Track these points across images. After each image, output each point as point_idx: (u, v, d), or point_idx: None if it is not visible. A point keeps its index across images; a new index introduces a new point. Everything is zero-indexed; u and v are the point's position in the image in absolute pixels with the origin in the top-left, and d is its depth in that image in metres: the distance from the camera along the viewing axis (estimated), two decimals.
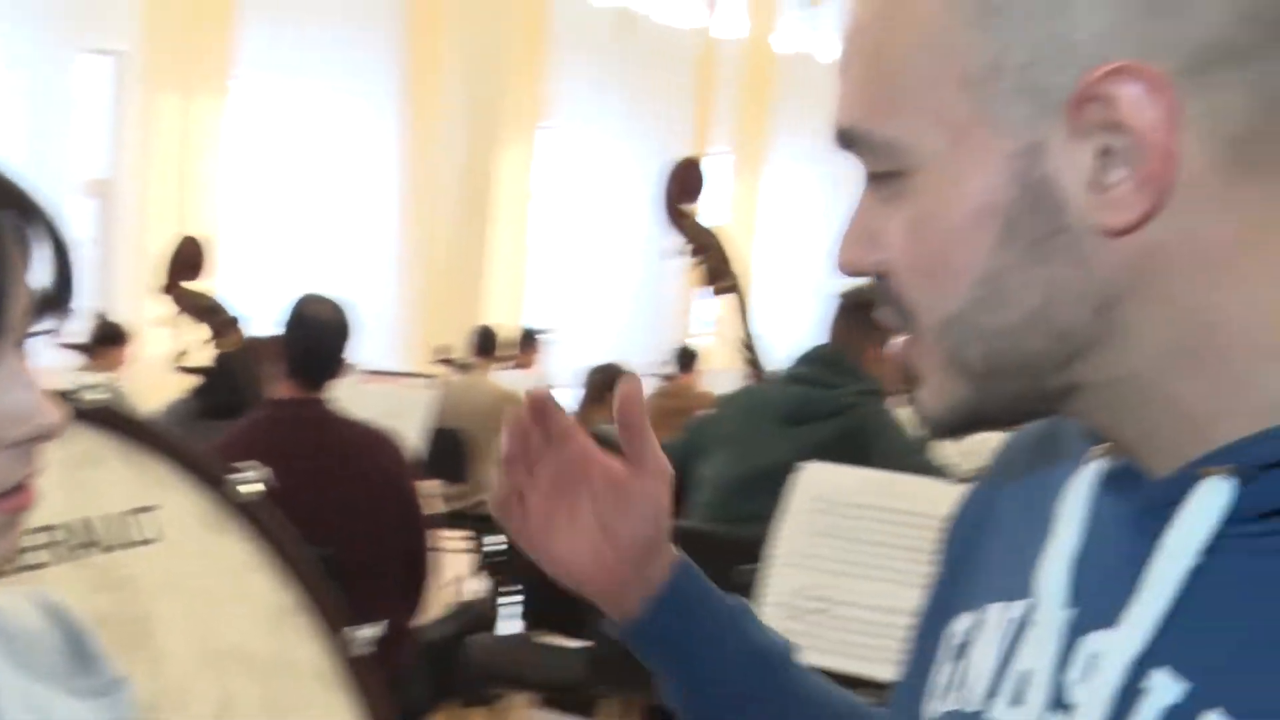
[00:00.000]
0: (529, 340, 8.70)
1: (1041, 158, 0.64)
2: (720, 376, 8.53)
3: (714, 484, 3.68)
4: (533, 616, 4.65)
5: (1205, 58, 0.62)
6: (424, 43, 9.43)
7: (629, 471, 0.97)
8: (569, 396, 7.99)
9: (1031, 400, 0.70)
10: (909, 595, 2.46)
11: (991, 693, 0.73)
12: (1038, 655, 0.70)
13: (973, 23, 0.64)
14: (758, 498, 3.59)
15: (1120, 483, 0.71)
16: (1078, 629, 0.69)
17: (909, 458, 3.49)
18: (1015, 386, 0.69)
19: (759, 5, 12.23)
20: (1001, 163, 0.65)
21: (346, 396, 3.73)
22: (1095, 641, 0.67)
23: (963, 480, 4.21)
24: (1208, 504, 0.64)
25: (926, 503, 2.52)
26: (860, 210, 0.72)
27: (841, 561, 2.53)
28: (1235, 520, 0.64)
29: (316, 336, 3.48)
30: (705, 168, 4.29)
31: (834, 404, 3.60)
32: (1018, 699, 0.71)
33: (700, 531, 3.50)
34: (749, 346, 4.25)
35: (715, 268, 4.19)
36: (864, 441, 3.53)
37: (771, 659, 0.99)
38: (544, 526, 0.98)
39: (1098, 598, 0.68)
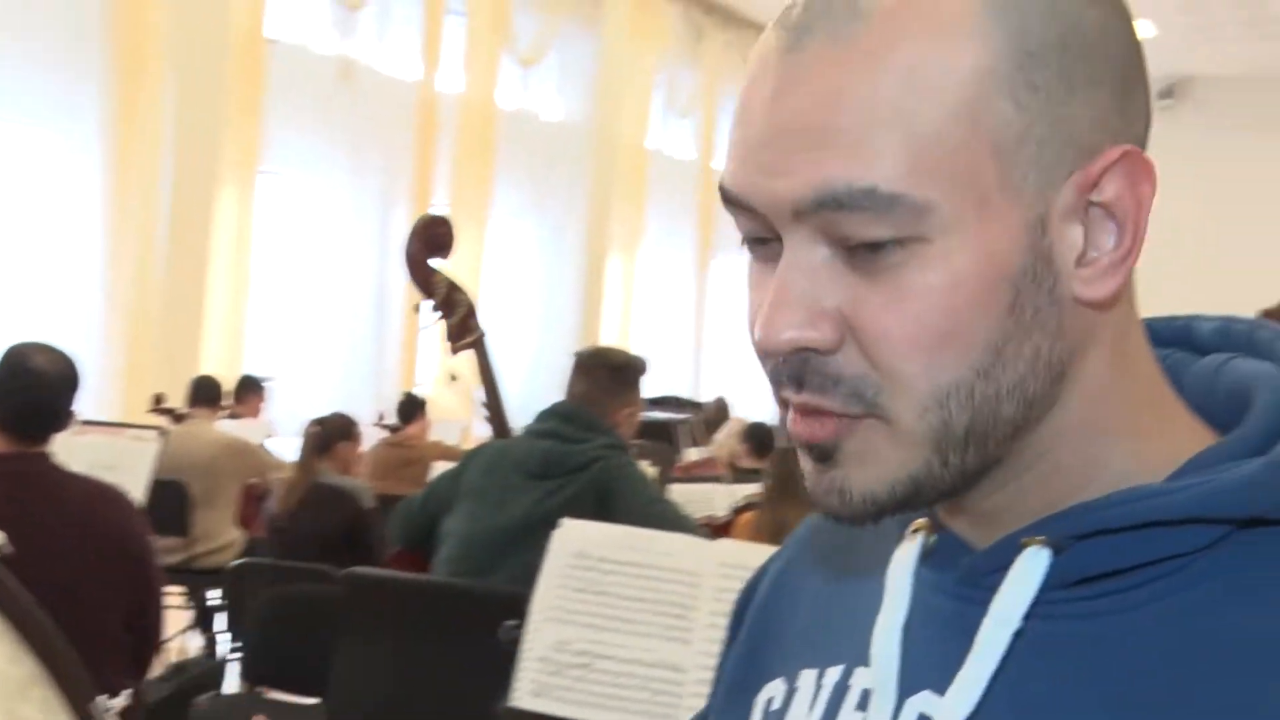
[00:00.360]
0: (250, 388, 8.47)
1: (1048, 230, 0.66)
2: (449, 427, 8.51)
3: (461, 538, 3.67)
4: (254, 674, 4.53)
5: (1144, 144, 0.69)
6: (133, 83, 9.10)
7: None
8: (291, 446, 7.82)
9: (969, 476, 0.69)
10: (667, 648, 2.51)
11: None
12: (872, 718, 0.72)
13: (1006, 95, 0.65)
14: (505, 551, 3.60)
15: (938, 556, 0.74)
16: (904, 693, 0.71)
17: (653, 507, 3.57)
18: (971, 457, 0.68)
19: (481, 62, 12.27)
20: (1016, 233, 0.66)
21: (63, 449, 3.55)
22: (923, 705, 0.70)
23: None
24: (1028, 573, 0.67)
25: (682, 558, 2.56)
26: (804, 283, 0.68)
27: (601, 616, 2.54)
28: (1048, 588, 0.67)
29: (34, 386, 3.30)
30: (452, 225, 4.29)
31: (580, 458, 3.64)
32: None
33: (463, 588, 3.48)
34: (494, 402, 4.26)
35: (461, 324, 4.20)
36: (609, 494, 3.59)
37: None
38: None
39: (923, 664, 0.71)
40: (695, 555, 2.58)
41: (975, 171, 0.65)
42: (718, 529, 5.26)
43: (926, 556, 0.74)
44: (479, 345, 4.23)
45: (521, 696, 2.49)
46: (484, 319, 4.39)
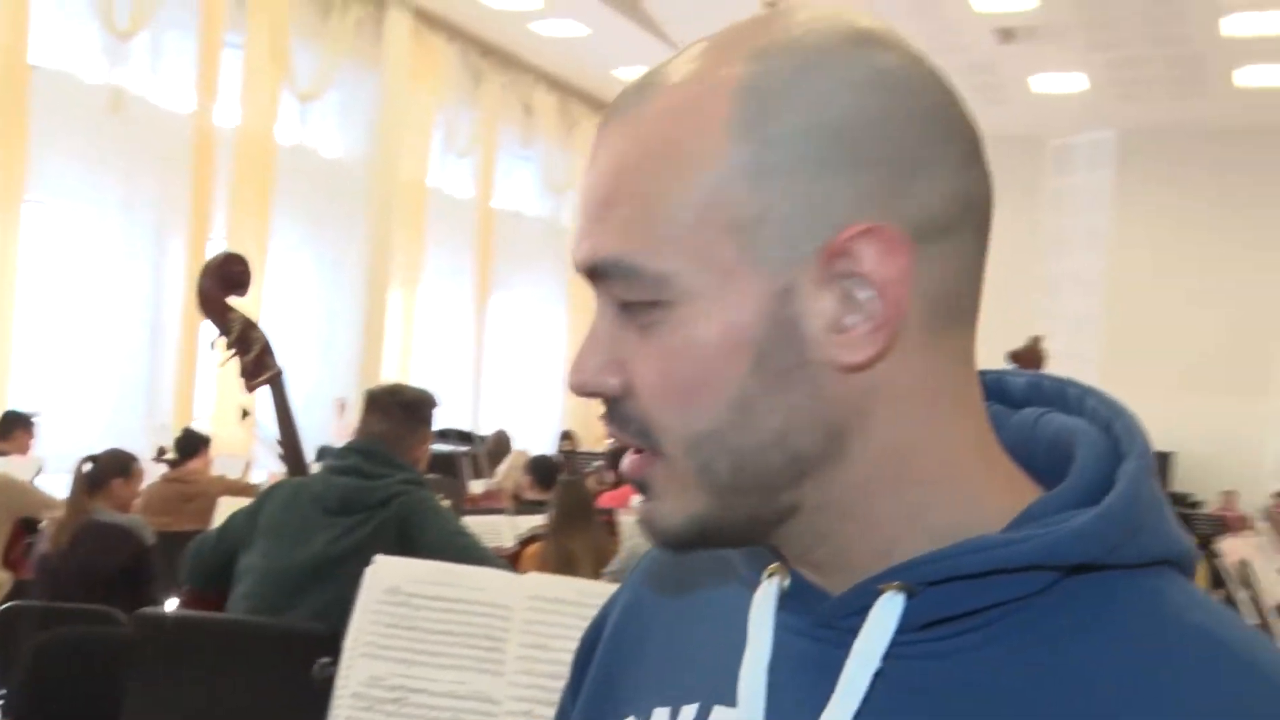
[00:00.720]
0: (17, 423, 8.13)
1: (792, 300, 0.70)
2: (231, 462, 8.31)
3: (259, 574, 3.61)
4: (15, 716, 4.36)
5: (924, 229, 0.70)
6: None
7: None
8: (62, 482, 7.53)
9: (762, 520, 0.74)
10: (480, 680, 2.51)
11: None
12: None
13: (744, 178, 0.69)
14: (304, 588, 3.56)
15: (794, 599, 0.77)
16: None
17: (456, 540, 3.57)
18: (752, 502, 0.73)
19: (259, 95, 12.07)
20: (758, 302, 0.70)
21: None
22: None
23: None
24: (886, 616, 0.70)
25: (493, 593, 2.57)
26: (603, 334, 0.76)
27: (414, 650, 2.53)
28: (903, 630, 0.70)
29: None
30: (248, 264, 4.21)
31: (381, 494, 3.63)
32: None
33: (269, 625, 3.42)
34: (289, 439, 4.19)
35: (256, 361, 4.12)
36: (411, 527, 3.59)
37: None
38: None
39: (786, 703, 0.74)
40: (505, 589, 2.59)
41: (712, 246, 0.70)
42: (508, 559, 5.28)
43: (782, 600, 0.77)
44: (275, 382, 4.16)
45: None
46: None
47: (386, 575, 2.62)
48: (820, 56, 0.70)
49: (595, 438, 15.97)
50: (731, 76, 0.71)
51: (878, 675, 0.70)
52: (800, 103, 0.69)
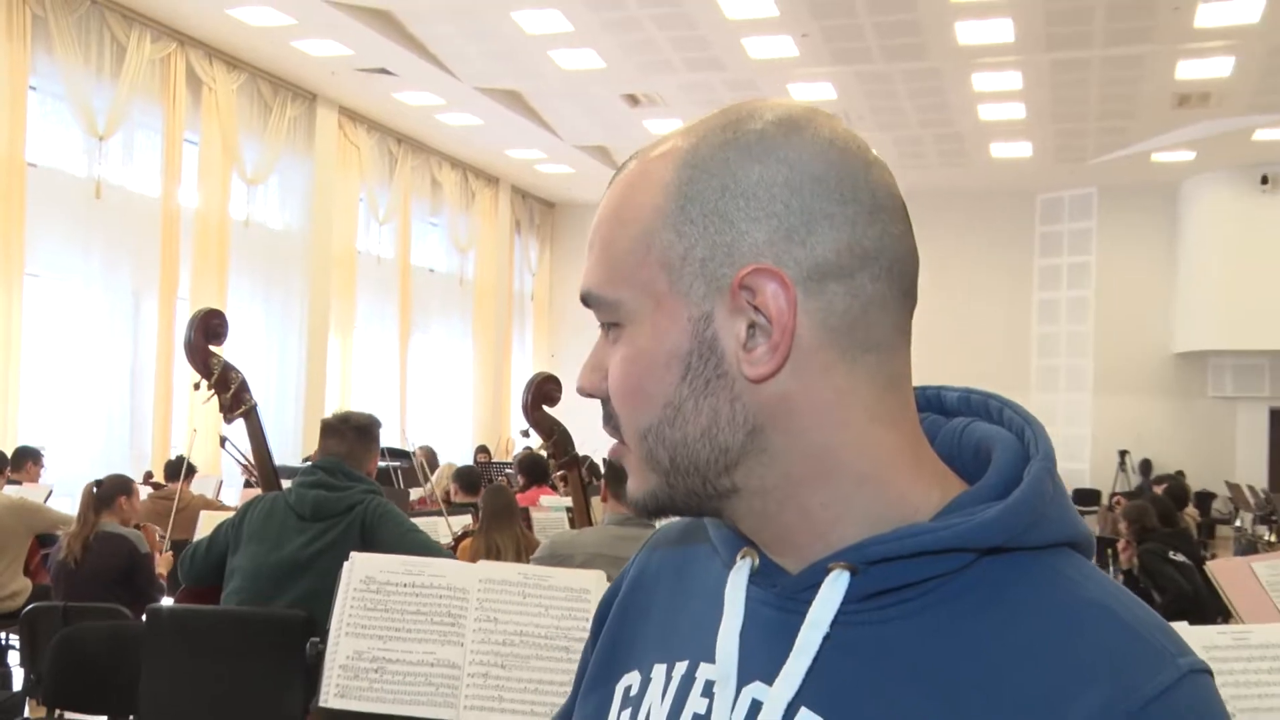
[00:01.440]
0: (27, 456, 7.89)
1: (712, 323, 0.71)
2: (205, 482, 8.13)
3: (246, 573, 3.55)
4: (54, 700, 4.23)
5: (821, 272, 0.70)
6: None
7: None
8: (68, 503, 7.32)
9: (706, 497, 0.75)
10: (444, 650, 2.51)
11: None
12: (717, 703, 0.74)
13: (671, 226, 0.72)
14: (285, 582, 3.51)
15: (762, 577, 0.76)
16: (741, 683, 0.74)
17: (409, 536, 3.55)
18: (692, 483, 0.74)
19: (213, 181, 11.88)
20: (686, 324, 0.72)
21: None
22: (756, 692, 0.72)
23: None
24: (833, 590, 0.70)
25: (451, 578, 2.58)
26: (597, 348, 0.78)
27: (388, 628, 2.53)
28: (848, 601, 0.71)
29: None
30: (225, 318, 4.14)
31: (346, 502, 3.60)
32: None
33: (263, 614, 3.37)
34: (263, 461, 4.12)
35: (235, 397, 4.06)
36: (372, 528, 3.56)
37: None
38: None
39: (754, 660, 0.74)
40: (461, 575, 2.59)
41: (650, 280, 0.73)
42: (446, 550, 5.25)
43: (753, 576, 0.77)
44: (250, 415, 4.10)
45: (328, 698, 2.45)
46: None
47: (362, 568, 2.61)
48: (738, 137, 0.72)
49: (503, 450, 15.91)
50: (676, 151, 0.74)
51: (826, 638, 0.70)
52: (718, 171, 0.71)
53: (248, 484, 7.78)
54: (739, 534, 0.79)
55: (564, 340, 19.81)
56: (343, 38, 11.58)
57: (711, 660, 0.76)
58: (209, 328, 4.02)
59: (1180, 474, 14.45)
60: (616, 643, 0.88)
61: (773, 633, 0.74)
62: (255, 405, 4.10)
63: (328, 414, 4.27)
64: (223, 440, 5.07)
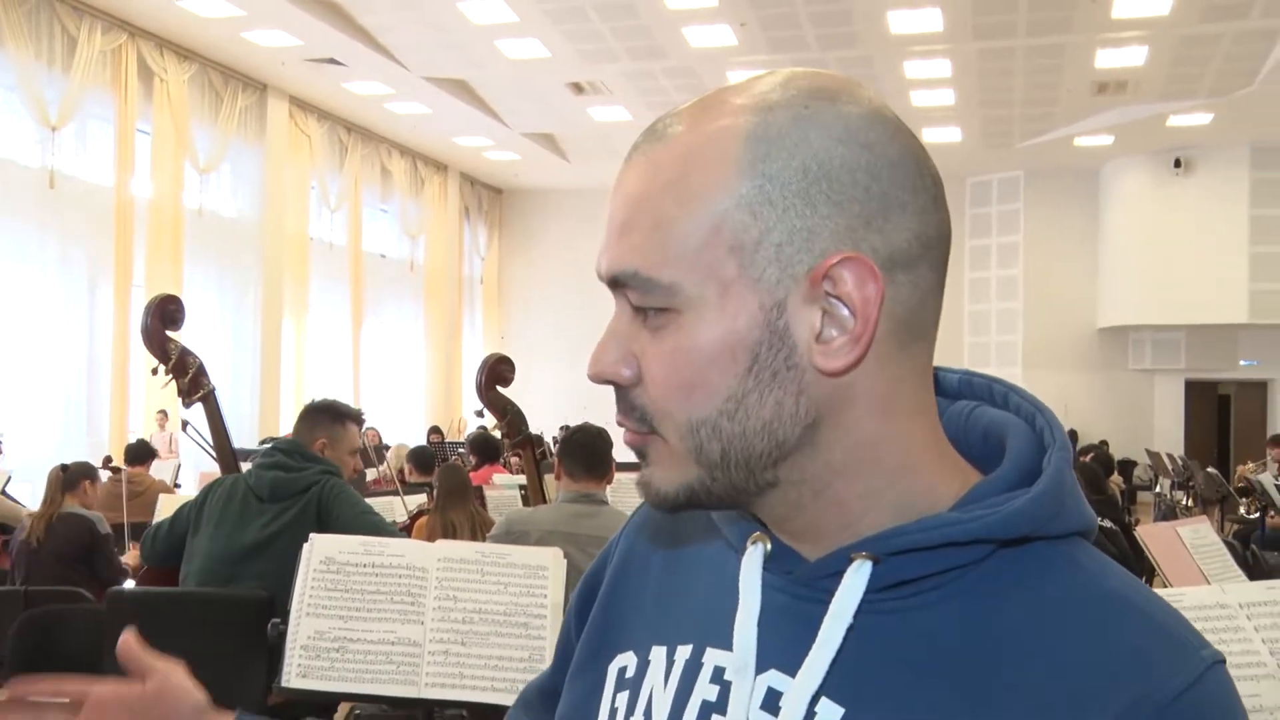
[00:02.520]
0: None
1: (785, 312, 0.66)
2: (162, 466, 7.99)
3: (207, 554, 3.49)
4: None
5: (892, 260, 0.66)
6: None
7: (152, 687, 0.91)
8: (27, 489, 7.18)
9: (746, 491, 0.70)
10: (404, 628, 2.48)
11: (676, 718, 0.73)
12: (736, 692, 0.70)
13: (745, 208, 0.65)
14: (245, 563, 3.45)
15: (775, 561, 0.72)
16: (756, 671, 0.70)
17: (364, 517, 3.50)
18: (738, 477, 0.69)
19: (166, 170, 11.67)
20: (756, 312, 0.66)
21: None
22: (773, 680, 0.69)
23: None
24: (857, 579, 0.67)
25: (410, 557, 2.53)
26: (620, 333, 0.70)
27: (349, 608, 2.48)
28: (870, 591, 0.67)
29: None
30: (181, 304, 4.06)
31: (303, 482, 3.54)
32: None
33: (223, 595, 3.30)
34: (222, 444, 4.05)
35: (193, 381, 3.98)
36: (328, 509, 3.50)
37: None
38: None
39: (770, 647, 0.70)
40: (419, 554, 2.56)
41: (716, 264, 0.66)
42: (402, 530, 5.20)
43: (765, 561, 0.73)
44: (208, 399, 4.02)
45: (290, 678, 2.40)
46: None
47: (322, 548, 2.56)
48: (810, 112, 0.67)
49: (455, 430, 15.82)
50: (739, 125, 0.67)
51: (849, 628, 0.67)
52: (796, 149, 0.65)
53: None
54: (749, 517, 0.74)
55: (513, 322, 19.71)
56: (292, 28, 11.41)
57: (719, 645, 0.72)
58: (165, 313, 3.94)
59: (1104, 443, 14.69)
60: (607, 623, 0.84)
61: (789, 620, 0.70)
62: (213, 389, 4.02)
63: (283, 397, 4.19)
64: (184, 424, 4.97)
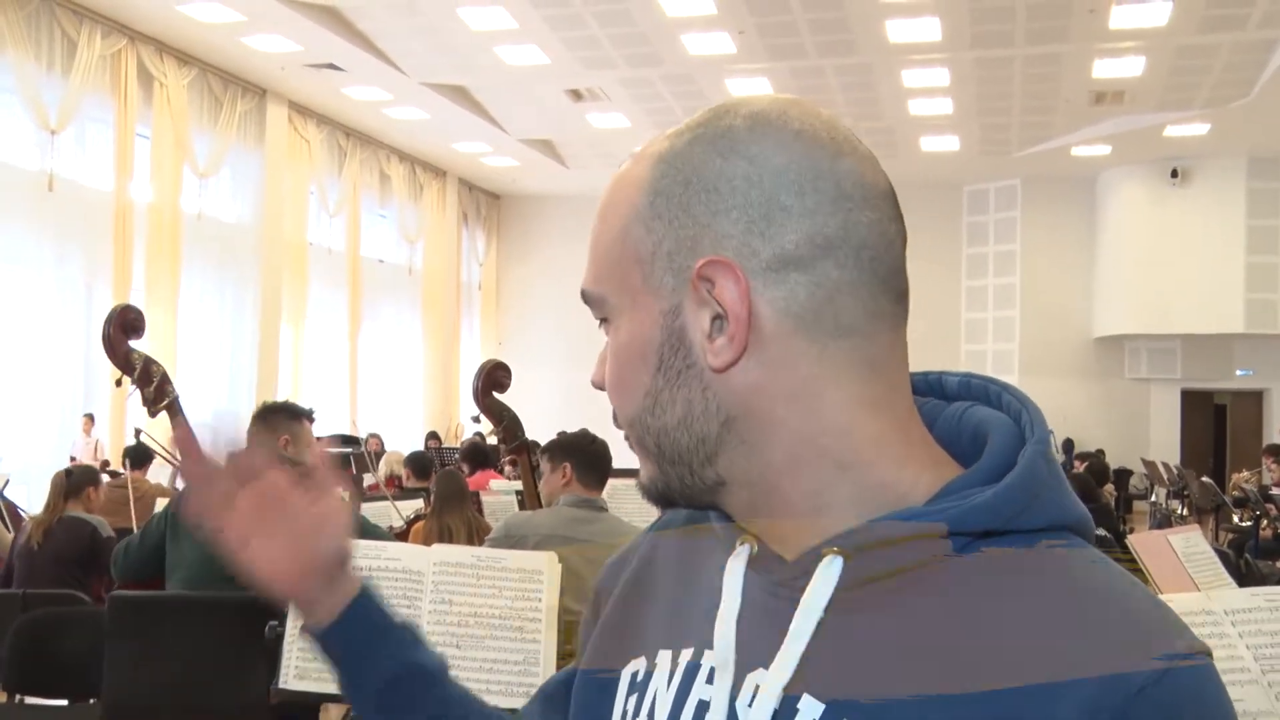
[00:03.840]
0: None
1: (680, 315, 0.71)
2: (158, 470, 8.00)
3: (190, 561, 3.49)
4: (16, 685, 4.17)
5: (782, 262, 0.69)
6: None
7: (314, 498, 0.92)
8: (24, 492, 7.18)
9: (696, 488, 0.74)
10: None
11: (674, 718, 0.75)
12: (716, 690, 0.72)
13: (641, 222, 0.72)
14: (225, 568, 3.46)
15: (759, 562, 0.74)
16: (742, 668, 0.71)
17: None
18: (680, 471, 0.73)
19: (165, 175, 11.70)
20: (657, 317, 0.71)
21: None
22: (759, 678, 0.70)
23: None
24: (827, 575, 0.69)
25: (407, 561, 2.56)
26: (607, 346, 0.77)
27: None
28: (842, 587, 0.68)
29: None
30: (141, 313, 4.04)
31: None
32: None
33: (222, 599, 3.32)
34: None
35: (158, 390, 3.96)
36: None
37: (429, 673, 0.94)
38: (243, 545, 0.89)
39: (756, 646, 0.71)
40: (416, 558, 2.58)
41: (626, 276, 0.72)
42: (399, 535, 5.22)
43: (753, 563, 0.75)
44: (173, 407, 4.00)
45: (288, 680, 2.43)
46: (179, 383, 4.13)
47: None
48: (708, 132, 0.71)
49: (453, 435, 15.83)
50: (658, 151, 0.73)
51: (824, 624, 0.68)
52: (684, 166, 0.71)
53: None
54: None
55: (511, 328, 19.73)
56: (292, 34, 11.44)
57: (714, 647, 0.74)
58: (126, 323, 3.89)
59: (1100, 452, 14.71)
60: (623, 626, 0.85)
61: (769, 620, 0.71)
62: (178, 397, 3.99)
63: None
64: (138, 432, 4.93)
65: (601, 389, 0.77)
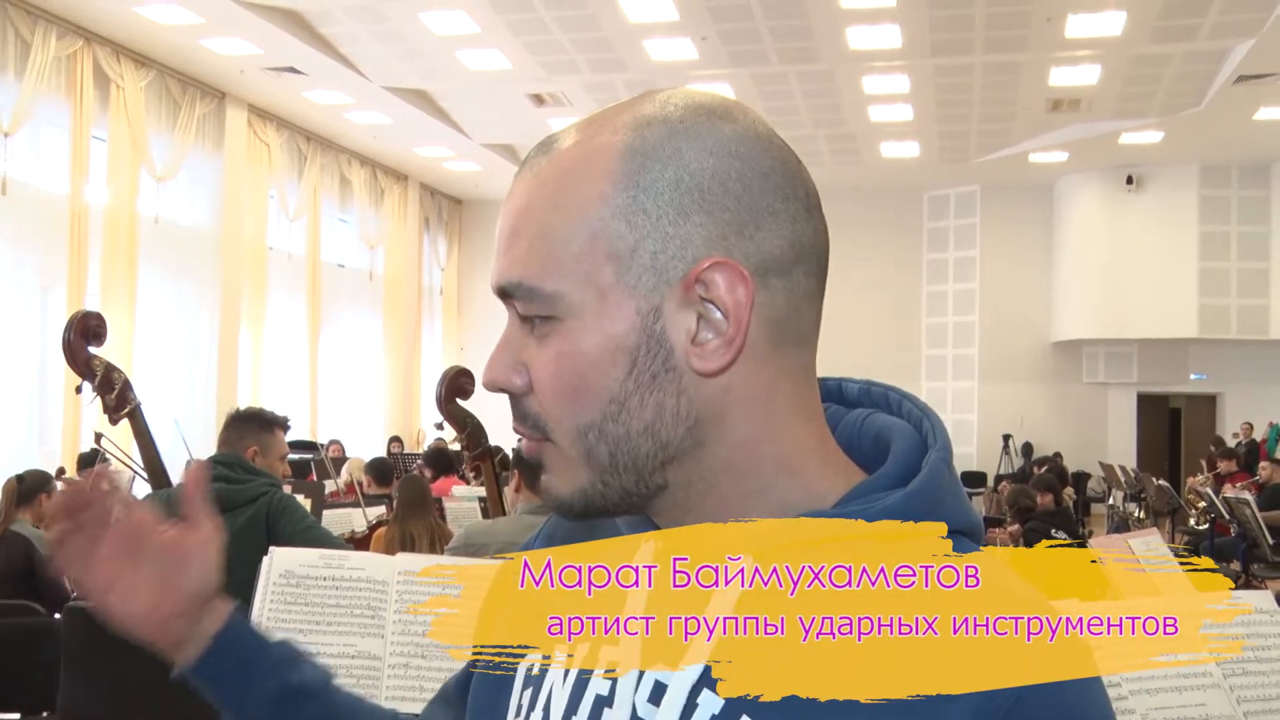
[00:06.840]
0: None
1: (660, 317, 0.68)
2: (119, 477, 7.90)
3: None
4: None
5: (766, 265, 0.69)
6: None
7: (184, 536, 0.92)
8: None
9: (637, 495, 0.72)
10: (365, 642, 2.47)
11: (570, 713, 0.74)
12: (622, 688, 0.71)
13: (621, 217, 0.68)
14: None
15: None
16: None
17: (311, 531, 3.49)
18: (628, 480, 0.71)
19: (122, 178, 11.54)
20: (633, 317, 0.68)
21: None
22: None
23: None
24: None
25: (370, 570, 2.53)
26: (511, 342, 0.73)
27: (308, 622, 2.47)
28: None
29: None
30: (103, 319, 4.00)
31: (249, 494, 3.52)
32: (596, 718, 0.72)
33: None
34: (150, 459, 3.98)
35: (119, 398, 3.92)
36: (274, 520, 3.49)
37: (310, 690, 0.94)
38: (107, 586, 0.90)
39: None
40: (380, 567, 2.55)
41: (595, 272, 0.68)
42: (359, 541, 5.18)
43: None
44: (135, 414, 3.95)
45: None
46: (139, 390, 4.09)
47: (281, 562, 2.54)
48: (684, 127, 0.69)
49: (415, 441, 15.74)
50: (617, 141, 0.70)
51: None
52: (669, 162, 0.68)
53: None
54: (647, 520, 0.76)
55: (473, 334, 19.65)
56: (251, 37, 11.34)
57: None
58: (87, 329, 3.84)
59: (1058, 456, 14.86)
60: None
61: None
62: (139, 404, 3.95)
63: (240, 407, 4.14)
64: (98, 437, 4.87)
65: (501, 391, 0.73)
